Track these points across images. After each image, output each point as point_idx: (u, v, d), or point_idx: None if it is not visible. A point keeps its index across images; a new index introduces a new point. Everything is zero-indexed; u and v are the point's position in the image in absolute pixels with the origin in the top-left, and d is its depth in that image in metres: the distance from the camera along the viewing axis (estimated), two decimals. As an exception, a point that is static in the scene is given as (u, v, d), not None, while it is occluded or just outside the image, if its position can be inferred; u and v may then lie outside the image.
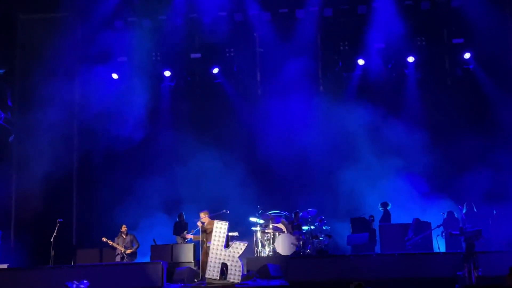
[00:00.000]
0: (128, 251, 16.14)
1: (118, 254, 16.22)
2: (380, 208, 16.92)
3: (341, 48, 19.21)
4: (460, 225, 14.17)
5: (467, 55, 18.56)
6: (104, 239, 16.14)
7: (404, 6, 18.64)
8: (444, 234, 15.42)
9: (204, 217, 14.66)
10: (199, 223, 14.65)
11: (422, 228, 15.57)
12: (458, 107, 18.78)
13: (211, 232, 14.27)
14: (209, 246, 14.13)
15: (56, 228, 15.47)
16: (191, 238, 15.73)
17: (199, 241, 14.87)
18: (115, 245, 16.18)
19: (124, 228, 16.46)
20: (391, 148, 17.90)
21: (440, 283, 12.43)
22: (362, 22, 18.71)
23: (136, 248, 16.41)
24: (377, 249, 16.06)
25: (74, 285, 12.07)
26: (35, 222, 17.50)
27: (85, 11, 18.59)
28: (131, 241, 16.36)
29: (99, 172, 18.73)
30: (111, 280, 13.58)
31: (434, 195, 17.17)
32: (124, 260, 15.89)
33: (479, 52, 18.41)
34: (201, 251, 14.53)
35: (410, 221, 15.86)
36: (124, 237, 16.33)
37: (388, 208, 16.89)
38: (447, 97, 18.93)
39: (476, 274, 12.22)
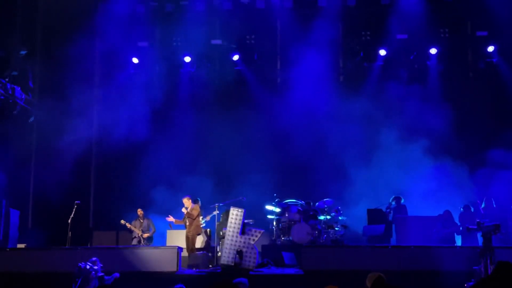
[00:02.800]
0: (146, 235, 16.23)
1: (135, 237, 16.32)
2: (393, 203, 16.70)
3: (363, 38, 19.09)
4: (478, 220, 14.02)
5: (490, 48, 18.30)
6: (122, 221, 16.23)
7: (428, -4, 18.46)
8: (461, 228, 15.29)
9: (186, 202, 14.79)
10: (184, 209, 14.82)
11: (451, 222, 15.39)
12: (479, 101, 18.60)
13: (191, 217, 14.61)
14: (193, 231, 14.70)
15: (74, 209, 15.54)
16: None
17: (183, 225, 15.16)
18: (133, 228, 16.27)
19: (140, 212, 16.53)
20: (411, 139, 17.74)
21: (456, 277, 12.33)
22: (385, 11, 18.52)
23: (153, 233, 16.50)
24: (393, 241, 15.97)
25: (88, 266, 12.10)
26: (53, 203, 17.60)
27: (107, -7, 18.60)
28: (148, 225, 16.45)
29: (118, 155, 18.77)
30: (126, 263, 13.64)
31: (453, 189, 17.01)
32: (141, 244, 15.99)
33: (503, 45, 18.16)
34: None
35: (428, 214, 15.72)
36: (142, 221, 16.42)
37: (402, 202, 16.69)
38: (469, 90, 18.76)
39: (492, 269, 12.12)
